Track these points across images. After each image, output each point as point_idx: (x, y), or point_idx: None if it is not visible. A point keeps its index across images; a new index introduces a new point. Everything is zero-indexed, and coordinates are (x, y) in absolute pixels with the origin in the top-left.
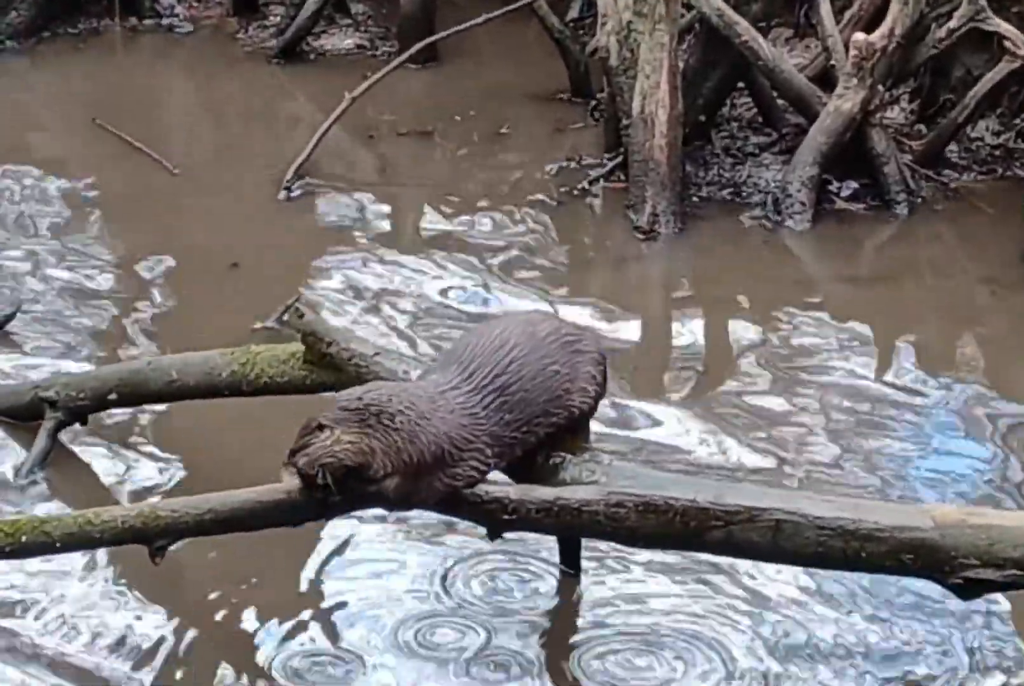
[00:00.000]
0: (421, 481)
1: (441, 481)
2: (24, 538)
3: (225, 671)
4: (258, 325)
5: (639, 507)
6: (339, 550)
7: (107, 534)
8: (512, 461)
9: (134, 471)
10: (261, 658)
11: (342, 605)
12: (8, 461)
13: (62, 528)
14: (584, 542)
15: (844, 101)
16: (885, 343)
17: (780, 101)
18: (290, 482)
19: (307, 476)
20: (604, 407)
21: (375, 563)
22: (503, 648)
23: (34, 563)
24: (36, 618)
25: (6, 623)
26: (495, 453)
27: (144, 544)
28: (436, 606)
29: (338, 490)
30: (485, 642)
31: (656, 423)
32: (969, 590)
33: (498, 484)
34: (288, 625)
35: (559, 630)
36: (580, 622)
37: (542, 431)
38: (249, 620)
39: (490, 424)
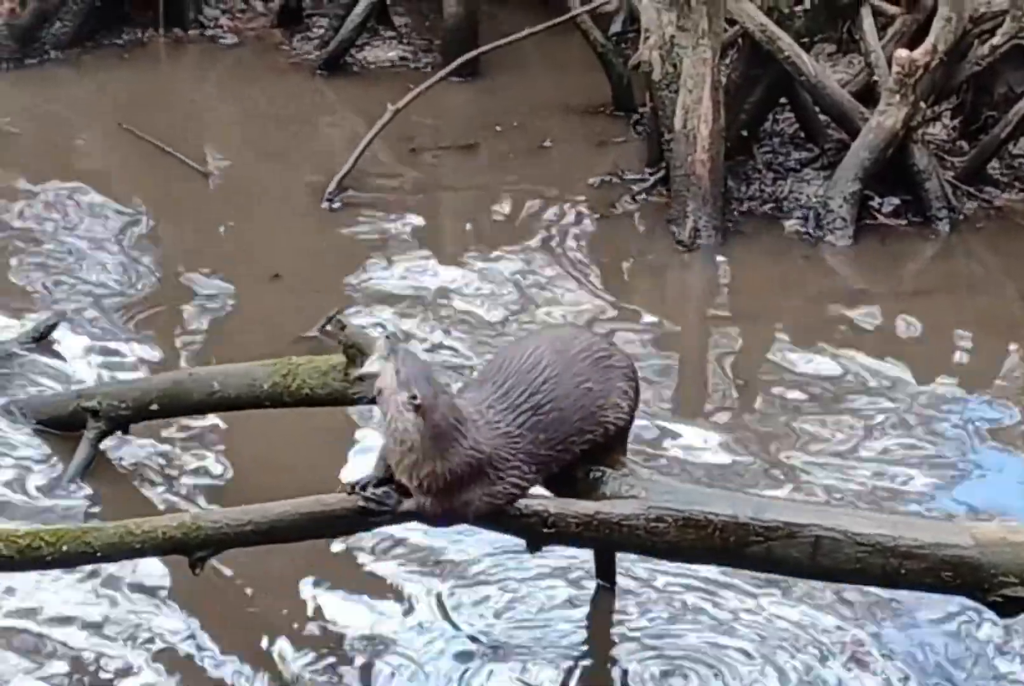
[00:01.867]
0: (458, 498)
1: (481, 499)
2: (65, 547)
3: None
4: (302, 335)
5: (679, 522)
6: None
7: (148, 545)
8: (550, 477)
9: (175, 481)
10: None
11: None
12: (50, 471)
13: (103, 538)
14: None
15: (886, 117)
16: (925, 359)
17: (822, 117)
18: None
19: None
20: (640, 421)
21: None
22: None
23: None
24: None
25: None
26: (532, 471)
27: (184, 555)
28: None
29: (378, 504)
30: None
31: (692, 438)
32: (1008, 608)
33: (538, 498)
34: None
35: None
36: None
37: (578, 448)
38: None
39: (525, 442)
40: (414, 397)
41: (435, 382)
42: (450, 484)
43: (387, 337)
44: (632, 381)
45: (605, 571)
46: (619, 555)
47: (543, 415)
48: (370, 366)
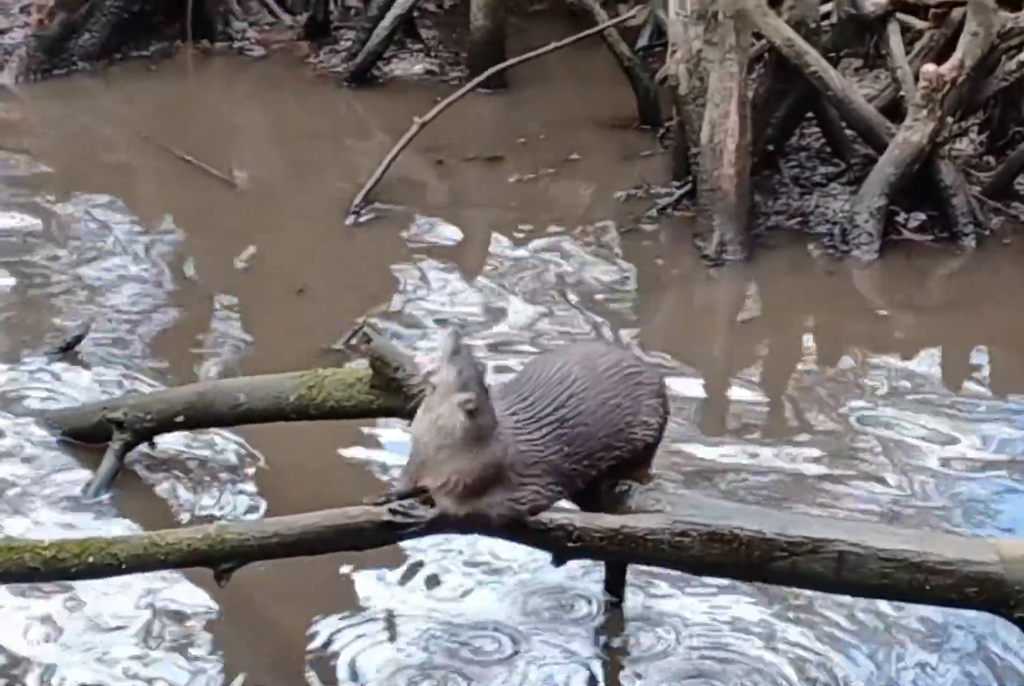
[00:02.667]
0: (481, 501)
1: (503, 504)
2: (91, 559)
3: None
4: (327, 347)
5: (704, 536)
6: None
7: (173, 556)
8: (576, 492)
9: (200, 493)
10: None
11: None
12: (76, 482)
13: (128, 550)
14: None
15: (913, 132)
16: (951, 375)
17: (849, 131)
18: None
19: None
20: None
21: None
22: None
23: None
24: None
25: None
26: (556, 482)
27: (209, 567)
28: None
29: (405, 517)
30: None
31: (718, 453)
32: None
33: (563, 511)
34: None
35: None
36: None
37: (605, 464)
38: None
39: (549, 452)
40: (470, 401)
41: (485, 384)
42: (475, 483)
43: (454, 334)
44: (661, 397)
45: (615, 586)
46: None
47: (568, 429)
48: (436, 363)
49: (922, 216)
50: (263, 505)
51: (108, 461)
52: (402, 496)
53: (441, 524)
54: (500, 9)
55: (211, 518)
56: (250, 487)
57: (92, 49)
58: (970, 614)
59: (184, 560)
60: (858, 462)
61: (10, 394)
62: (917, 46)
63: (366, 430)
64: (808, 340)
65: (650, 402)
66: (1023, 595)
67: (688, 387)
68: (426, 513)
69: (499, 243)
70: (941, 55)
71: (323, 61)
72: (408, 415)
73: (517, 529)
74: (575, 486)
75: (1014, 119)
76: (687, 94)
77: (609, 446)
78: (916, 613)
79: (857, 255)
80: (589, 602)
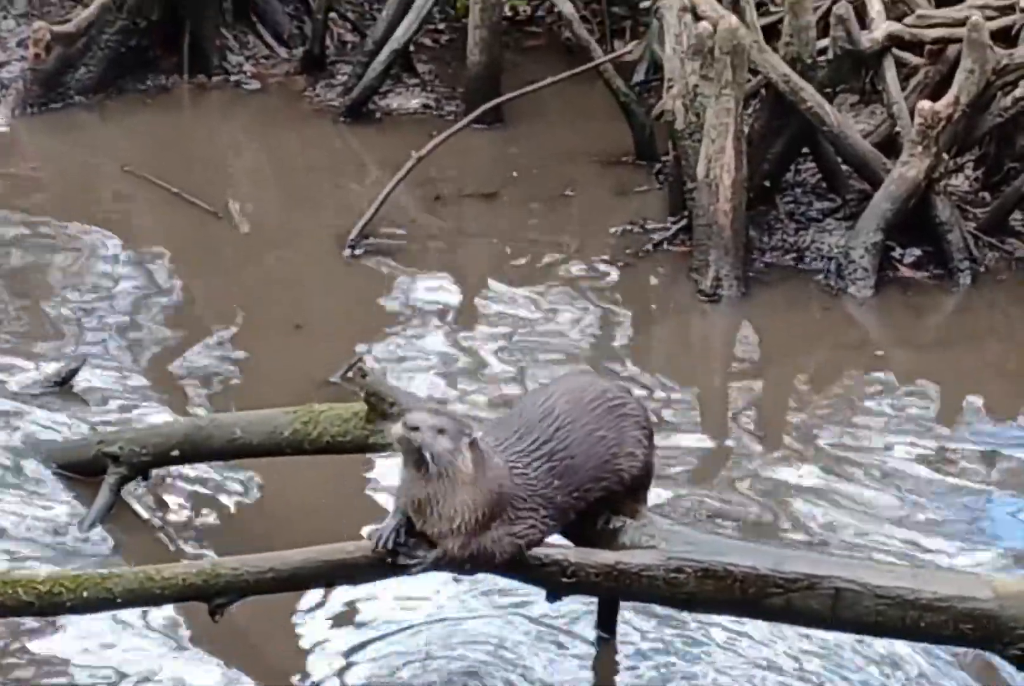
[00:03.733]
0: (483, 538)
1: (503, 539)
2: (86, 593)
3: None
4: (324, 380)
5: (698, 573)
6: None
7: (168, 591)
8: (568, 524)
9: (196, 526)
10: None
11: None
12: (71, 515)
13: (123, 584)
14: None
15: (909, 168)
16: (946, 412)
17: (845, 167)
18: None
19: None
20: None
21: None
22: None
23: None
24: None
25: None
26: (549, 514)
27: (204, 602)
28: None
29: (408, 557)
30: None
31: (714, 489)
32: None
33: (557, 547)
34: None
35: None
36: None
37: (593, 496)
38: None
39: (540, 486)
40: (470, 435)
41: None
42: (476, 519)
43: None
44: (646, 429)
45: (606, 622)
46: None
47: (556, 462)
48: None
49: (917, 252)
50: (258, 539)
51: (103, 495)
52: (397, 532)
53: (445, 565)
54: (496, 44)
55: (206, 552)
56: (246, 520)
57: (89, 83)
58: None
59: (179, 595)
60: (851, 499)
61: (5, 427)
62: (913, 82)
63: (364, 464)
64: (803, 377)
65: (635, 434)
66: (1017, 632)
67: (681, 423)
68: (429, 554)
69: (494, 278)
70: (937, 91)
71: (319, 95)
72: None
73: (513, 565)
74: (567, 518)
75: (1009, 155)
76: (683, 129)
77: (597, 478)
78: None
79: (853, 291)
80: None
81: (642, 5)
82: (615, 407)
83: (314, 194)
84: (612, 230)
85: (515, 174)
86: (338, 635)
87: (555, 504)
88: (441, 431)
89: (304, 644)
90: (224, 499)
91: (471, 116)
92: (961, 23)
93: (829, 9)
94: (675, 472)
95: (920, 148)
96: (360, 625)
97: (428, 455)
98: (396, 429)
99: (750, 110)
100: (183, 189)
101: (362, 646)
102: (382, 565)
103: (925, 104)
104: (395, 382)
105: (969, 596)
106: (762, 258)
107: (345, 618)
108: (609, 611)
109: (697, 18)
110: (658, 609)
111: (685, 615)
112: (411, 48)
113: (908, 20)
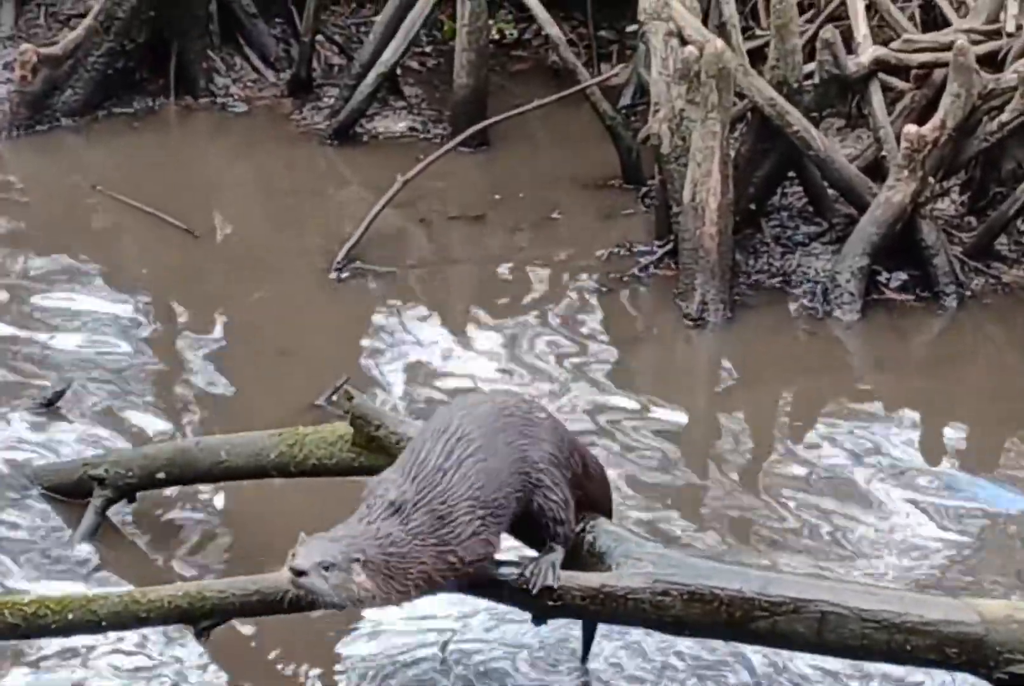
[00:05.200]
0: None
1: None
2: (71, 615)
3: None
4: (310, 403)
5: (684, 596)
6: None
7: (153, 613)
8: (513, 525)
9: (182, 548)
10: None
11: None
12: (57, 537)
13: (108, 607)
14: None
15: (895, 192)
16: (931, 436)
17: (831, 191)
18: None
19: None
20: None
21: None
22: None
23: None
24: None
25: None
26: (488, 515)
27: (190, 624)
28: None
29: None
30: None
31: (697, 515)
32: None
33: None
34: None
35: None
36: None
37: (521, 492)
38: None
39: (464, 489)
40: (360, 557)
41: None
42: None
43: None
44: (555, 429)
45: (583, 646)
46: None
47: (468, 468)
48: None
49: (904, 276)
50: (245, 560)
51: (89, 517)
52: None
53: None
54: (483, 67)
55: (192, 573)
56: (232, 542)
57: (75, 105)
58: None
59: (165, 617)
60: (834, 528)
61: None
62: (899, 106)
63: (348, 487)
64: (787, 402)
65: (539, 433)
66: (1003, 656)
67: (664, 450)
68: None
69: (480, 301)
70: (923, 116)
71: (306, 118)
72: None
73: (495, 587)
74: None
75: (995, 180)
76: (669, 153)
77: (515, 473)
78: None
79: (839, 314)
80: None
81: (629, 29)
82: (514, 415)
83: (300, 217)
84: (598, 253)
85: (500, 197)
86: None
87: (488, 505)
88: (328, 567)
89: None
90: (211, 520)
91: (457, 139)
92: (947, 47)
93: (815, 33)
94: (653, 494)
95: (906, 172)
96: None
97: (321, 600)
98: (284, 576)
99: (736, 134)
100: (168, 211)
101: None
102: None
103: (911, 128)
104: (381, 405)
105: (955, 620)
106: (747, 282)
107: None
108: (588, 636)
109: (683, 42)
110: None
111: None
112: (398, 71)
113: (894, 45)
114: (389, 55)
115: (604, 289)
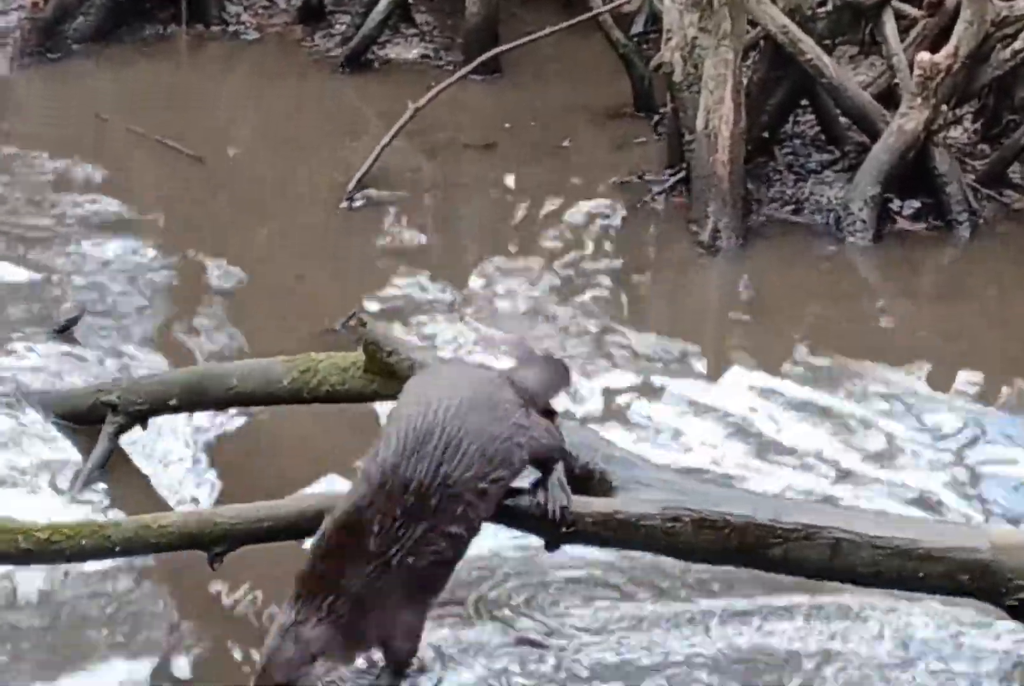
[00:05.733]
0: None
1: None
2: (84, 541)
3: None
4: (323, 328)
5: (696, 522)
6: None
7: (165, 539)
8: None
9: (194, 477)
10: None
11: None
12: (69, 464)
13: (121, 532)
14: None
15: (908, 120)
16: (945, 363)
17: (843, 119)
18: None
19: None
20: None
21: None
22: None
23: None
24: None
25: None
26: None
27: (202, 550)
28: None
29: None
30: None
31: (708, 445)
32: None
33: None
34: None
35: None
36: None
37: (503, 466)
38: None
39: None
40: (298, 623)
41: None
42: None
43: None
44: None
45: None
46: None
47: (441, 447)
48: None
49: (916, 204)
50: (258, 488)
51: (102, 444)
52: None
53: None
54: None
55: (204, 501)
56: (245, 469)
57: (87, 32)
58: None
59: (176, 543)
60: (849, 452)
61: (4, 376)
62: (912, 34)
63: (363, 412)
64: (801, 328)
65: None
66: (1014, 583)
67: (679, 373)
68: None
69: (492, 230)
70: (936, 43)
71: (318, 45)
72: None
73: (510, 515)
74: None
75: (1008, 107)
76: (682, 81)
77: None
78: None
79: (851, 242)
80: None
81: None
82: (482, 390)
83: (312, 145)
84: (610, 182)
85: (512, 125)
86: None
87: (470, 487)
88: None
89: None
90: (225, 449)
91: (468, 67)
92: None
93: None
94: (662, 425)
95: (919, 100)
96: None
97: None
98: None
99: (749, 62)
100: (179, 139)
101: None
102: None
103: (924, 56)
104: (394, 332)
105: (967, 547)
106: (760, 210)
107: None
108: None
109: None
110: None
111: None
112: None
113: None
114: None
115: (616, 217)
